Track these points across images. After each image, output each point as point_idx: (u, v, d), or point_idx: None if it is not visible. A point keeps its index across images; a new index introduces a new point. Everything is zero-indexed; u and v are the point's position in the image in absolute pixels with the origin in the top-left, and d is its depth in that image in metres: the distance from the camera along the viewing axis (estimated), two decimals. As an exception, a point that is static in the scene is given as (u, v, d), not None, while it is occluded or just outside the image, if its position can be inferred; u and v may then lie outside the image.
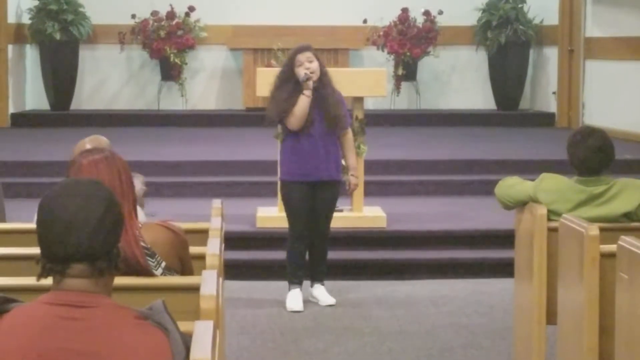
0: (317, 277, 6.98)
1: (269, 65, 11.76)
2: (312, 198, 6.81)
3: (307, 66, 6.66)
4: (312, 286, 6.96)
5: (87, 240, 2.43)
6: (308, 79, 6.63)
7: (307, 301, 6.91)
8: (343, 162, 7.00)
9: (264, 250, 7.74)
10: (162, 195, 9.12)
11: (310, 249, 6.93)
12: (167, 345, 2.42)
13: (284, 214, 7.21)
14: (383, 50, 13.08)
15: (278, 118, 6.77)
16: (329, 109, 6.71)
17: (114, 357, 2.37)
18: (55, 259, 2.44)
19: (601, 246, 4.36)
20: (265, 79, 7.81)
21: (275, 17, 13.28)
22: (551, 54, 13.28)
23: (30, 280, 3.37)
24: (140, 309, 2.48)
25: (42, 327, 2.39)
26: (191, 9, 13.10)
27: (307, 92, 6.66)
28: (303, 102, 6.66)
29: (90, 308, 2.42)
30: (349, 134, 6.97)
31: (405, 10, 13.15)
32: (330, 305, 6.85)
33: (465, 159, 9.99)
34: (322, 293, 6.93)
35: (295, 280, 6.86)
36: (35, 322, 2.40)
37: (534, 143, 11.33)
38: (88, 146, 4.68)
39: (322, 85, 6.72)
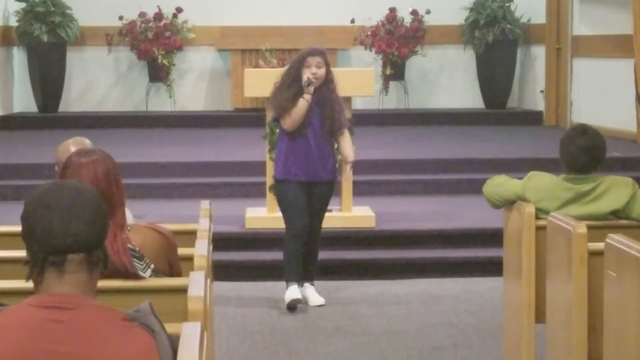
0: (307, 276, 6.96)
1: (257, 66, 11.78)
2: (307, 197, 6.80)
3: (314, 71, 6.65)
4: (301, 285, 6.95)
5: (85, 228, 2.44)
6: (309, 83, 6.64)
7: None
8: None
9: (253, 251, 7.74)
10: (151, 197, 9.11)
11: (301, 248, 6.93)
12: (154, 347, 2.42)
13: (273, 215, 7.20)
14: (371, 50, 13.08)
15: (276, 115, 6.76)
16: (332, 115, 6.72)
17: (101, 359, 2.36)
18: (53, 250, 2.43)
19: (589, 244, 4.37)
20: (253, 79, 7.81)
21: (263, 18, 13.26)
22: (539, 52, 13.30)
23: (17, 283, 3.37)
24: (127, 311, 2.48)
25: (28, 329, 2.38)
26: (179, 10, 13.08)
27: (307, 97, 6.66)
28: (302, 106, 6.66)
29: (77, 310, 2.41)
30: (346, 132, 6.91)
31: (392, 10, 13.16)
32: (320, 306, 6.84)
33: (453, 158, 9.99)
34: (311, 293, 6.92)
35: (293, 277, 6.81)
36: (21, 325, 2.39)
37: (522, 141, 11.34)
38: (72, 148, 4.64)
39: (329, 91, 6.73)
